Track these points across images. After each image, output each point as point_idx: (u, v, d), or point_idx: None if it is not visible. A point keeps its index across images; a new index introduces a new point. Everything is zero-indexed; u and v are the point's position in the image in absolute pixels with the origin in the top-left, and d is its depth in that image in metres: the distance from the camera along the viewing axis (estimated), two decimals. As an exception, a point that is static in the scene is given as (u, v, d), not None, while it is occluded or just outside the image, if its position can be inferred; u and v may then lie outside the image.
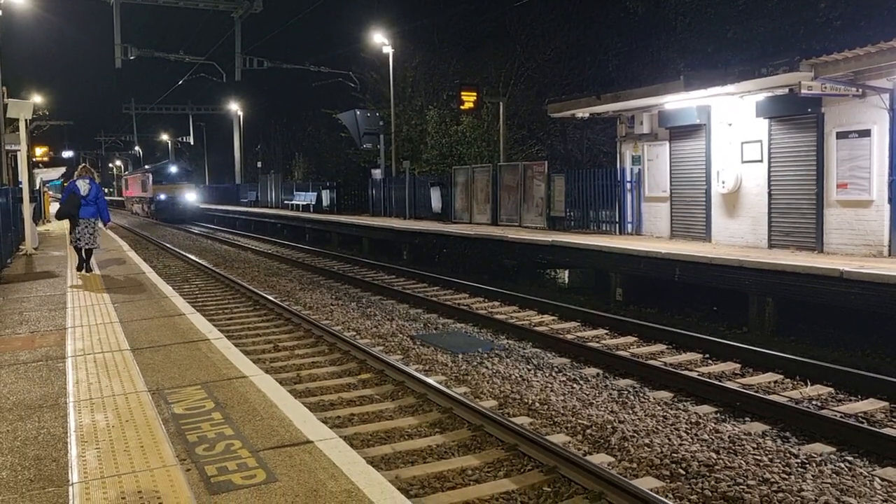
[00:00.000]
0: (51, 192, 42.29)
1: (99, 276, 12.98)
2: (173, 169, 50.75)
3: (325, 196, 34.51)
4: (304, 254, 24.40)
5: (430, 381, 8.17)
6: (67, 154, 70.05)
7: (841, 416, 7.04)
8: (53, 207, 33.87)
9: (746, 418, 7.19)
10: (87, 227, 13.09)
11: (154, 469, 3.96)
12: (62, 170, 44.86)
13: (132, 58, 28.82)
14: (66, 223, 14.37)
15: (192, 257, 22.76)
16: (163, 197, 48.00)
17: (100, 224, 13.52)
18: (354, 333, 11.37)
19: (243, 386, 5.53)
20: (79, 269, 13.16)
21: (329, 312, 13.20)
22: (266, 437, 4.39)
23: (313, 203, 35.69)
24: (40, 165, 38.02)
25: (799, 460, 6.07)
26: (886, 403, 7.50)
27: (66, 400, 5.30)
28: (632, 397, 7.89)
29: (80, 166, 14.37)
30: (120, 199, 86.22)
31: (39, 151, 36.95)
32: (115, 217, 51.59)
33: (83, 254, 13.14)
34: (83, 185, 13.15)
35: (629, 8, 25.95)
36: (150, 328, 7.91)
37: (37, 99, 35.07)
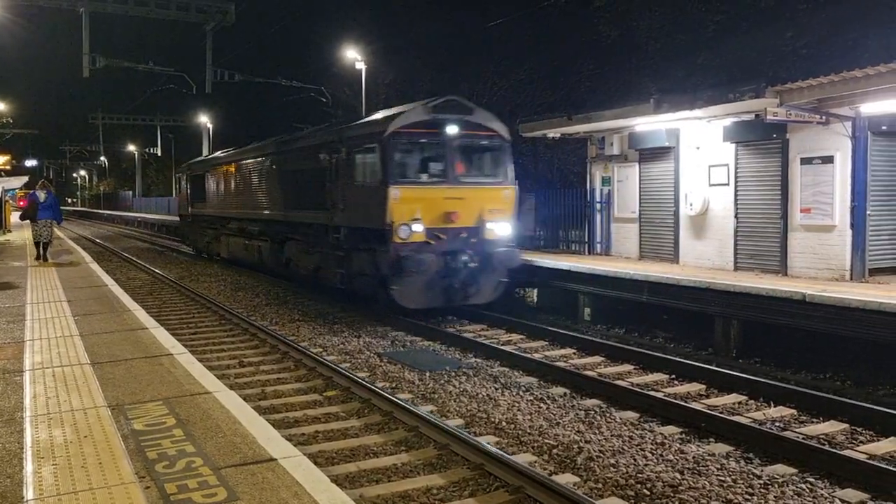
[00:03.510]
0: (11, 202, 41.45)
1: (53, 266, 16.43)
2: (453, 132, 13.10)
3: None
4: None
5: (396, 398, 8.11)
6: (31, 163, 68.93)
7: (803, 438, 7.12)
8: (15, 217, 33.28)
9: (711, 439, 7.24)
10: (44, 226, 17.34)
11: (112, 486, 3.86)
12: (25, 179, 44.03)
13: (100, 67, 28.46)
14: (28, 237, 18.51)
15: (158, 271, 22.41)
16: (417, 232, 12.58)
17: (55, 227, 18.37)
18: (321, 350, 11.27)
19: (206, 402, 5.44)
20: (37, 259, 17.26)
21: (296, 328, 13.07)
22: (228, 455, 4.31)
23: None
24: (2, 174, 37.28)
25: (762, 481, 6.11)
26: (847, 425, 7.60)
27: (23, 415, 5.16)
28: (598, 417, 7.90)
29: (40, 181, 18.92)
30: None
31: (2, 160, 36.25)
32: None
33: (41, 248, 17.37)
34: (42, 194, 17.55)
35: (602, 32, 26.33)
36: (111, 342, 7.76)
37: (0, 106, 34.45)
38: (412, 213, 12.58)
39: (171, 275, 21.20)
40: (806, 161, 12.23)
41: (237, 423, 4.93)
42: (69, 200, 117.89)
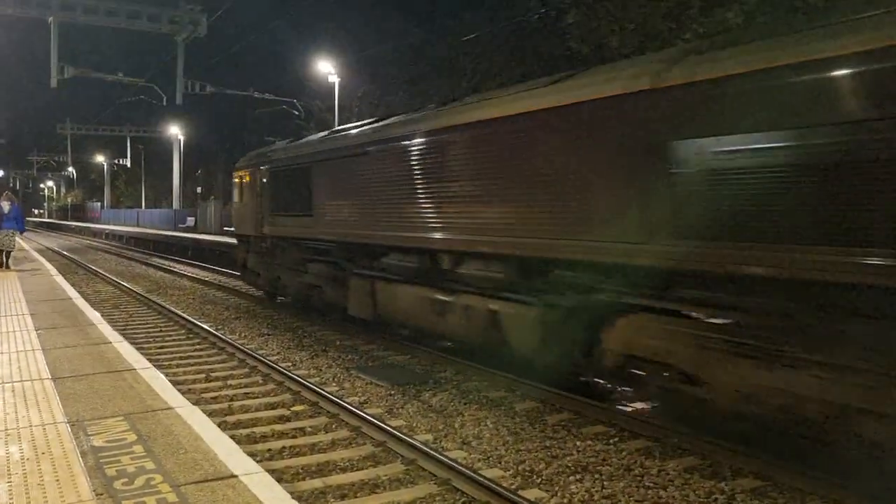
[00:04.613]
0: None
1: (17, 277, 16.47)
2: None
3: None
4: (241, 281, 23.93)
5: (364, 413, 8.08)
6: (-3, 173, 67.72)
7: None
8: None
9: (677, 453, 7.28)
10: (7, 236, 17.89)
11: (68, 505, 3.79)
12: None
13: (68, 77, 28.14)
14: None
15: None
16: None
17: (17, 237, 18.89)
18: (290, 364, 11.18)
19: (168, 418, 5.37)
20: (0, 267, 17.81)
21: (265, 342, 12.97)
22: (189, 472, 4.26)
23: None
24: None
25: (725, 496, 6.17)
26: (810, 439, 7.69)
27: (-22, 431, 5.05)
28: (565, 432, 7.92)
29: (5, 192, 19.02)
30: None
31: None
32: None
33: (3, 256, 17.90)
34: (6, 205, 17.96)
35: (573, 48, 26.65)
36: (73, 356, 7.64)
37: (-34, 116, 33.91)
38: None
39: (138, 288, 20.93)
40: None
41: (199, 439, 4.88)
42: (36, 212, 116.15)
